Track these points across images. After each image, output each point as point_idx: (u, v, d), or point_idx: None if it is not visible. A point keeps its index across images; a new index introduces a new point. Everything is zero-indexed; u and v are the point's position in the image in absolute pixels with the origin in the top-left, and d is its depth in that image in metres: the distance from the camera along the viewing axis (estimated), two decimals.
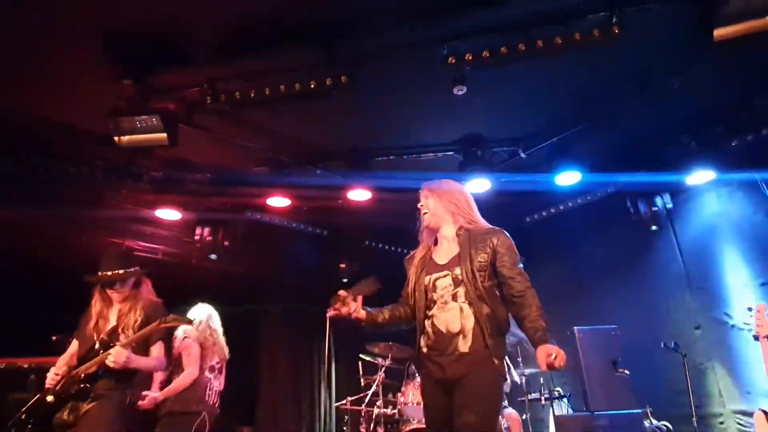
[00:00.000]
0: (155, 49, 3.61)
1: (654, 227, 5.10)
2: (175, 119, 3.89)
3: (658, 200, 5.09)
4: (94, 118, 3.86)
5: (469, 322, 2.31)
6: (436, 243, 2.61)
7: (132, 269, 3.00)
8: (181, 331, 3.86)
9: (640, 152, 4.87)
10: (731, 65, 3.94)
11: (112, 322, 2.91)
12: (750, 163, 4.54)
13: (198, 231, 5.17)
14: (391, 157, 5.00)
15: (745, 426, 4.29)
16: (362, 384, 4.76)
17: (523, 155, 4.95)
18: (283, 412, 5.33)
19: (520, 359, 4.75)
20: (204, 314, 4.07)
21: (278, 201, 4.93)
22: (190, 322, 2.92)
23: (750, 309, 3.70)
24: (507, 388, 4.83)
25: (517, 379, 4.76)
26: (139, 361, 2.81)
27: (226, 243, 5.08)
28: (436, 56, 3.44)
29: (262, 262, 5.82)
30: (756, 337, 3.58)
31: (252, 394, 5.36)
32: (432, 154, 5.00)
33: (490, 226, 2.56)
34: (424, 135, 4.84)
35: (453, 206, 2.57)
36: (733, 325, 4.55)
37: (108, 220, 5.13)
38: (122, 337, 2.80)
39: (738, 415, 4.38)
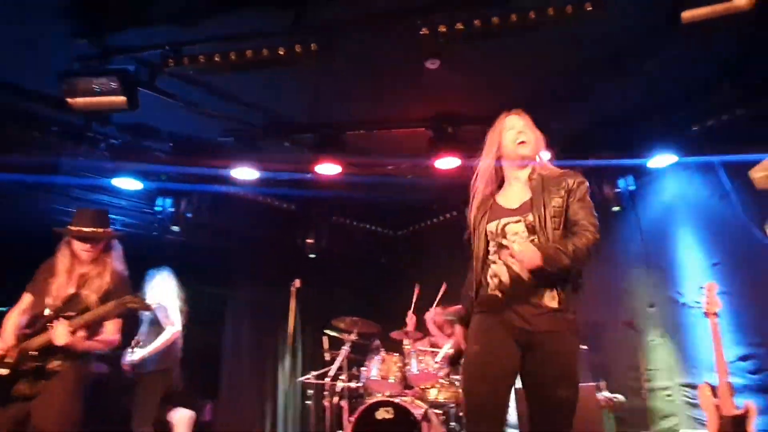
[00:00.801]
0: (114, 5, 3.41)
1: (616, 208, 5.23)
2: (135, 82, 3.71)
3: (621, 182, 5.22)
4: (47, 79, 3.64)
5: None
6: (500, 187, 2.31)
7: (110, 229, 2.89)
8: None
9: (607, 134, 4.96)
10: (698, 50, 4.02)
11: (74, 286, 2.78)
12: (709, 148, 4.69)
13: (159, 202, 4.99)
14: (361, 131, 4.93)
15: (690, 398, 4.53)
16: (327, 358, 4.76)
17: None
18: (247, 386, 5.30)
19: None
20: (168, 279, 4.32)
21: (244, 173, 4.80)
22: (149, 308, 2.83)
23: (701, 288, 3.87)
24: None
25: None
26: (84, 344, 2.68)
27: (188, 215, 4.92)
28: (410, 27, 3.37)
29: (226, 235, 5.69)
30: (706, 314, 3.75)
31: (215, 368, 5.30)
32: (403, 129, 4.96)
33: (566, 169, 2.26)
34: (396, 110, 4.79)
35: (539, 143, 2.27)
36: (684, 303, 4.76)
37: (64, 187, 4.90)
38: (84, 299, 2.68)
39: (684, 388, 4.61)
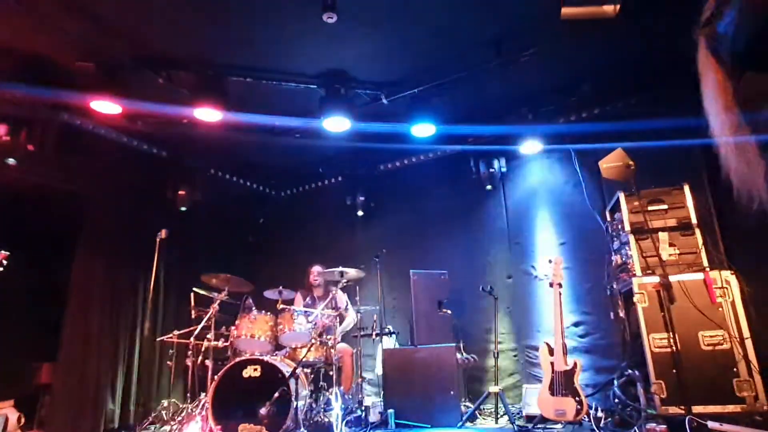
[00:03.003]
0: None
1: (489, 187, 5.65)
2: None
3: (496, 163, 5.62)
4: None
5: None
6: None
7: None
8: None
9: (489, 116, 5.28)
10: (571, 47, 4.42)
11: None
12: (569, 140, 5.26)
13: None
14: (248, 80, 4.60)
15: (532, 358, 5.16)
16: (193, 316, 4.48)
17: (385, 101, 4.98)
18: (97, 346, 4.75)
19: (357, 297, 4.95)
20: None
21: (105, 106, 4.18)
22: None
23: (550, 261, 4.36)
24: (351, 323, 5.02)
25: (354, 318, 4.97)
26: None
27: (30, 147, 4.17)
28: None
29: (78, 175, 4.95)
30: (551, 285, 4.25)
31: (57, 326, 4.66)
32: (293, 84, 4.74)
33: None
34: (287, 61, 4.54)
35: None
36: (535, 276, 5.36)
37: None
38: None
39: (528, 350, 5.24)
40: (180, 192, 5.50)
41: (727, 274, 3.63)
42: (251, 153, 6.15)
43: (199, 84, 4.42)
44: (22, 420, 4.01)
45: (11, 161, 4.11)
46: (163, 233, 3.75)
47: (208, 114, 4.48)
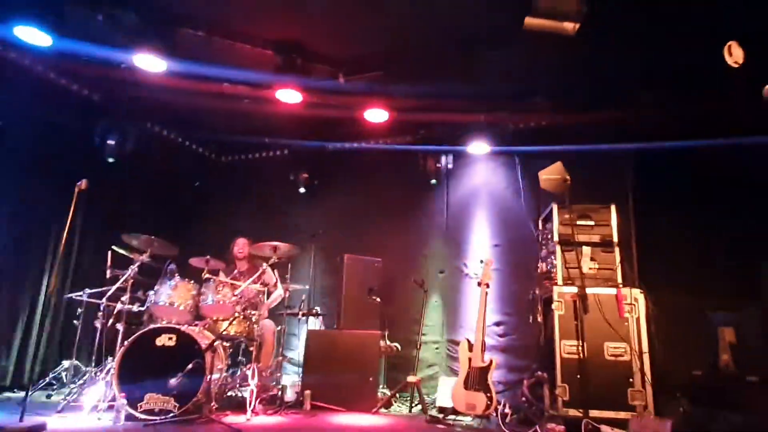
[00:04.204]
0: None
1: (434, 181, 5.72)
2: None
3: (443, 159, 5.68)
4: None
5: None
6: None
7: None
8: None
9: (443, 111, 5.31)
10: (531, 56, 4.52)
11: None
12: (515, 146, 5.42)
13: None
14: (199, 33, 4.32)
15: (452, 352, 5.32)
16: (108, 276, 4.19)
17: (342, 80, 4.87)
18: None
19: (288, 275, 4.85)
20: None
21: (31, 35, 3.75)
22: None
23: (481, 261, 4.49)
24: (278, 298, 4.91)
25: (282, 292, 4.88)
26: None
27: None
28: None
29: None
30: (479, 284, 4.37)
31: None
32: (249, 46, 4.51)
33: None
34: (243, 20, 4.31)
35: None
36: (467, 274, 5.51)
37: None
38: None
39: (449, 344, 5.39)
40: (109, 141, 5.09)
41: (637, 292, 3.90)
42: (195, 112, 5.81)
43: (144, 29, 4.09)
44: None
45: None
46: (83, 183, 3.43)
47: (149, 62, 4.17)
